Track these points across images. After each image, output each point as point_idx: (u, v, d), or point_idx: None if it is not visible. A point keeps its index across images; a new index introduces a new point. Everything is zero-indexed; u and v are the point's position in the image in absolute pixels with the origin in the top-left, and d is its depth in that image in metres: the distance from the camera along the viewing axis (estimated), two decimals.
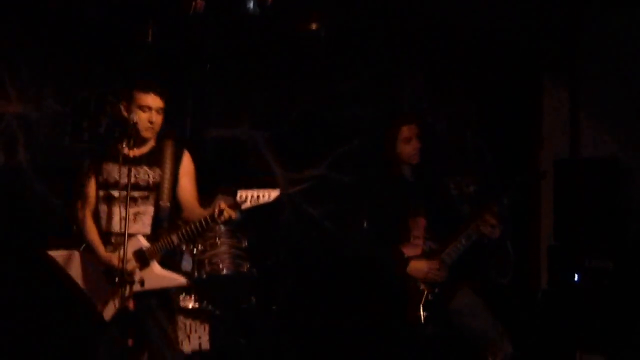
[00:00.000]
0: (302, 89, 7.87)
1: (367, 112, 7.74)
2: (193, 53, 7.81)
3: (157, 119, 5.30)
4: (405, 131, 5.82)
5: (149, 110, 5.25)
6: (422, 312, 5.66)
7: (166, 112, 5.39)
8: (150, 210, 5.28)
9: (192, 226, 5.18)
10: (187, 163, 5.44)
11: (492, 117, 7.66)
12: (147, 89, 5.27)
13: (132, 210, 5.21)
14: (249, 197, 5.10)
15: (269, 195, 5.13)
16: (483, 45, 7.65)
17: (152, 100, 5.26)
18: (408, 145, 5.81)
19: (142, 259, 5.20)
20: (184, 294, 6.50)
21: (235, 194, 5.11)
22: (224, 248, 6.76)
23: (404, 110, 7.69)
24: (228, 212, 5.08)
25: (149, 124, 5.26)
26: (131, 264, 5.13)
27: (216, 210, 5.09)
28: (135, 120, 5.18)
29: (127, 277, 5.00)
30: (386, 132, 5.89)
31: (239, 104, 7.93)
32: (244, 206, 5.10)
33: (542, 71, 7.72)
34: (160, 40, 7.60)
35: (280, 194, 5.19)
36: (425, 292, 5.69)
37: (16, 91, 7.56)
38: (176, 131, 7.46)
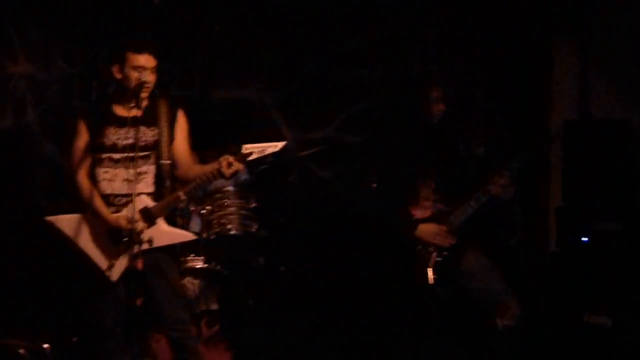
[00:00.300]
0: (311, 50, 7.84)
1: (375, 73, 7.72)
2: (201, 13, 7.77)
3: (152, 78, 5.26)
4: (435, 92, 5.79)
5: (143, 70, 5.21)
6: (430, 275, 5.67)
7: (171, 72, 5.36)
8: (152, 169, 5.28)
9: (199, 181, 5.18)
10: (182, 120, 5.42)
11: (502, 78, 7.62)
12: (140, 50, 5.22)
13: (133, 171, 5.21)
14: (255, 149, 5.10)
15: (275, 146, 5.13)
16: (493, 5, 7.61)
17: (146, 60, 5.21)
18: (436, 106, 5.79)
19: (149, 217, 5.21)
20: (192, 255, 6.51)
21: (241, 148, 5.10)
22: (232, 209, 6.75)
23: (413, 71, 7.67)
24: (236, 166, 5.08)
25: (144, 85, 5.23)
26: (139, 223, 5.14)
27: (224, 164, 5.07)
28: (143, 79, 5.15)
29: (135, 238, 5.00)
30: (418, 92, 5.84)
31: (247, 65, 7.90)
32: (250, 158, 5.10)
33: (551, 32, 7.68)
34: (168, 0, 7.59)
35: (286, 144, 5.18)
36: (434, 255, 5.70)
37: (25, 52, 7.57)
38: (185, 93, 7.51)
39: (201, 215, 6.72)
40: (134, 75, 5.18)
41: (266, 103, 7.85)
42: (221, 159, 5.09)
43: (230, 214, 6.75)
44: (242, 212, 6.80)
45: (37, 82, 7.61)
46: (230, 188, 6.70)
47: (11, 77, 7.52)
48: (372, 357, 6.19)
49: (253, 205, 6.88)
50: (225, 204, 6.72)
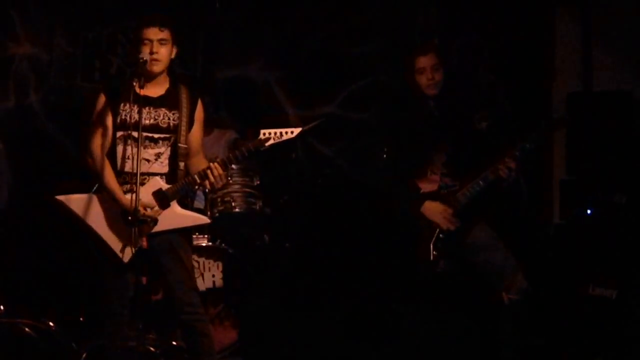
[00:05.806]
0: (313, 26, 7.82)
1: (377, 48, 7.70)
2: None
3: (160, 49, 5.22)
4: (420, 62, 5.74)
5: (149, 42, 5.20)
6: (432, 250, 5.65)
7: (178, 50, 5.31)
8: (169, 151, 5.27)
9: (217, 164, 5.18)
10: (200, 110, 5.42)
11: (504, 51, 7.61)
12: (148, 24, 5.22)
13: (152, 151, 5.20)
14: (272, 134, 5.10)
15: (292, 132, 5.14)
16: None
17: (153, 33, 5.19)
18: (422, 76, 5.72)
19: (163, 199, 5.19)
20: (197, 233, 6.52)
21: (258, 133, 5.12)
22: (236, 186, 6.77)
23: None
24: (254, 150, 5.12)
25: (150, 56, 5.21)
26: (151, 205, 5.13)
27: (243, 150, 5.10)
28: (144, 58, 5.15)
29: (140, 217, 4.98)
30: (404, 63, 5.82)
31: (250, 42, 7.89)
32: (267, 143, 5.10)
33: (554, 3, 7.65)
34: None
35: (302, 130, 5.18)
36: (437, 231, 5.67)
37: (26, 32, 7.56)
38: (187, 71, 7.50)
39: (205, 192, 6.73)
40: (143, 48, 5.18)
41: (269, 80, 7.84)
42: (239, 144, 5.11)
43: (234, 192, 6.77)
44: (246, 189, 6.81)
45: (39, 62, 7.61)
46: (234, 166, 6.70)
47: (13, 58, 7.52)
48: (376, 332, 6.20)
49: (257, 182, 6.89)
50: (229, 181, 6.73)
